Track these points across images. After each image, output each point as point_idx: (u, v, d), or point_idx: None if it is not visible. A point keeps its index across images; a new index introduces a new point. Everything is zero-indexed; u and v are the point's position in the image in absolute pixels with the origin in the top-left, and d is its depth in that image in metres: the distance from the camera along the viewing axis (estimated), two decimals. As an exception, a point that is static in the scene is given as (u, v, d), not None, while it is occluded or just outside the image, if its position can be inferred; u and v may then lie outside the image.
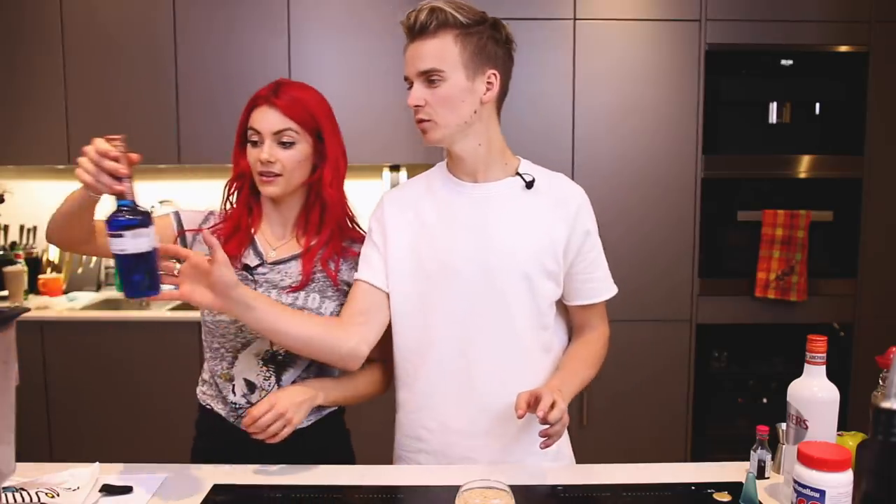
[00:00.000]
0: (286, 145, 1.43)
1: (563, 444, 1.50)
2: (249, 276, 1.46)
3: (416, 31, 1.32)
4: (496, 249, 1.38)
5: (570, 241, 1.42)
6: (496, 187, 1.42)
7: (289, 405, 1.34)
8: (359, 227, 1.56)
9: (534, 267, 1.39)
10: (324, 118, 1.50)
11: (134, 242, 1.14)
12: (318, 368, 1.52)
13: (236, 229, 1.48)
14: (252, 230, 1.50)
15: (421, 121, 1.36)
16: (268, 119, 1.42)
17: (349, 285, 1.49)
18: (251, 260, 1.48)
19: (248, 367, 1.47)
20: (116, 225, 1.14)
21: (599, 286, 1.48)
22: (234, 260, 1.44)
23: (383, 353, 1.51)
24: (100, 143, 1.15)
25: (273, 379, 1.48)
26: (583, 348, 1.49)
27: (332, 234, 1.49)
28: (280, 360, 1.48)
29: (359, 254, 1.50)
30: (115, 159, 1.15)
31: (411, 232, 1.43)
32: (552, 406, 1.23)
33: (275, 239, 1.51)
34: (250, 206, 1.51)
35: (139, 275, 1.16)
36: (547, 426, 1.24)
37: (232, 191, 1.52)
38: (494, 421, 1.40)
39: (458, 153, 1.41)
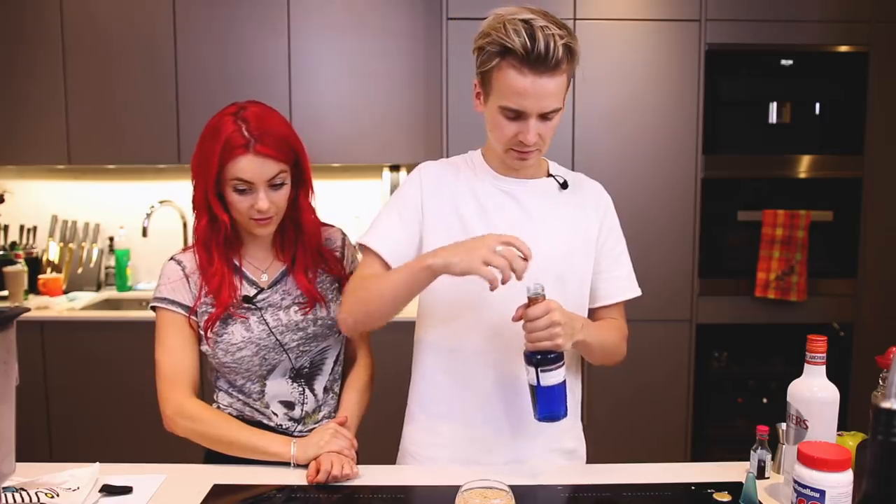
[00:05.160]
0: (278, 187, 1.39)
1: (579, 444, 1.51)
2: (253, 306, 1.45)
3: (549, 68, 1.24)
4: (535, 251, 1.38)
5: (599, 240, 1.44)
6: (535, 186, 1.42)
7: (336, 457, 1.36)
8: (326, 224, 1.57)
9: (568, 268, 1.40)
10: (298, 143, 1.43)
11: (561, 373, 1.26)
12: (340, 373, 1.56)
13: (223, 276, 1.44)
14: (237, 263, 1.48)
15: (527, 152, 1.32)
16: (260, 169, 1.35)
17: (332, 282, 1.52)
18: (249, 291, 1.46)
19: (279, 389, 1.48)
20: (550, 361, 1.24)
21: (622, 285, 1.47)
22: (235, 300, 1.44)
23: (363, 345, 1.58)
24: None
25: (307, 391, 1.50)
26: (605, 322, 1.48)
27: (311, 253, 1.50)
28: (307, 373, 1.50)
29: (330, 250, 1.53)
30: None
31: (448, 224, 1.40)
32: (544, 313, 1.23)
33: (260, 262, 1.50)
34: (228, 245, 1.46)
35: (562, 398, 1.27)
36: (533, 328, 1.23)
37: (210, 244, 1.43)
38: (520, 419, 1.40)
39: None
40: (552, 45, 1.22)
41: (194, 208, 1.44)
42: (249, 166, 1.35)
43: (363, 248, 1.42)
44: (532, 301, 1.25)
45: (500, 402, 1.41)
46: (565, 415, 1.28)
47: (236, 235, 1.47)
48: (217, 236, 1.43)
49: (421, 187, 1.43)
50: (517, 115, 1.29)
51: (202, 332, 1.45)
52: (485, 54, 1.29)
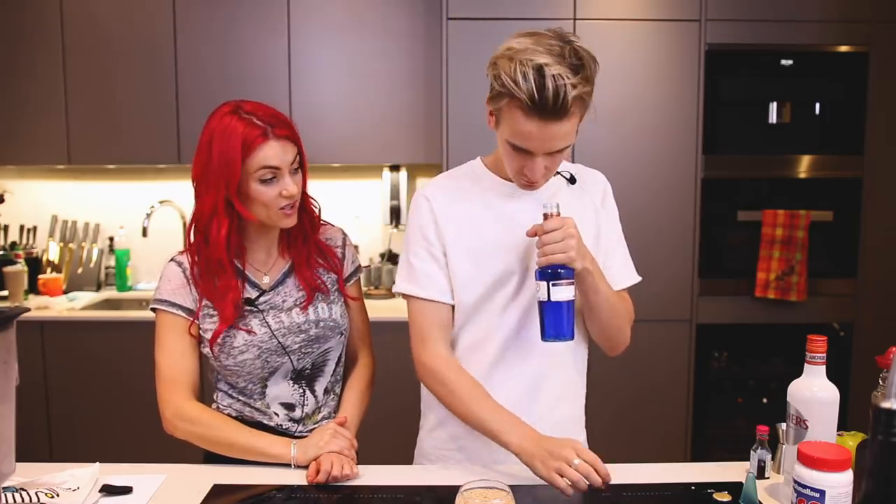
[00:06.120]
0: (296, 171, 1.41)
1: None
2: (255, 309, 1.45)
3: (556, 115, 1.21)
4: None
5: (603, 229, 1.45)
6: (546, 186, 1.41)
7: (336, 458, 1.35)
8: (327, 223, 1.57)
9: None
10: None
11: (571, 291, 1.27)
12: (341, 374, 1.56)
13: (229, 289, 1.41)
14: (240, 266, 1.46)
15: (537, 182, 1.32)
16: (283, 153, 1.36)
17: (333, 283, 1.52)
18: (250, 293, 1.45)
19: (280, 391, 1.47)
20: (562, 276, 1.26)
21: (622, 272, 1.46)
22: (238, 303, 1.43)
23: (364, 346, 1.59)
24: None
25: (308, 393, 1.49)
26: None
27: (311, 244, 1.50)
28: (308, 374, 1.49)
29: (331, 248, 1.53)
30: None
31: (467, 237, 1.40)
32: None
33: (261, 264, 1.49)
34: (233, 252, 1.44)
35: (570, 319, 1.27)
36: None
37: (226, 245, 1.40)
38: (538, 420, 1.39)
39: None
40: (561, 94, 1.18)
41: (203, 220, 1.39)
42: (273, 152, 1.35)
43: (407, 297, 1.43)
44: (547, 217, 1.27)
45: (517, 403, 1.40)
46: (571, 337, 1.28)
47: (240, 239, 1.45)
48: (231, 237, 1.40)
49: (433, 212, 1.41)
50: (524, 151, 1.27)
51: (203, 335, 1.44)
52: (494, 89, 1.26)
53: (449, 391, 1.37)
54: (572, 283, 1.27)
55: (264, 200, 1.38)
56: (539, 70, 1.18)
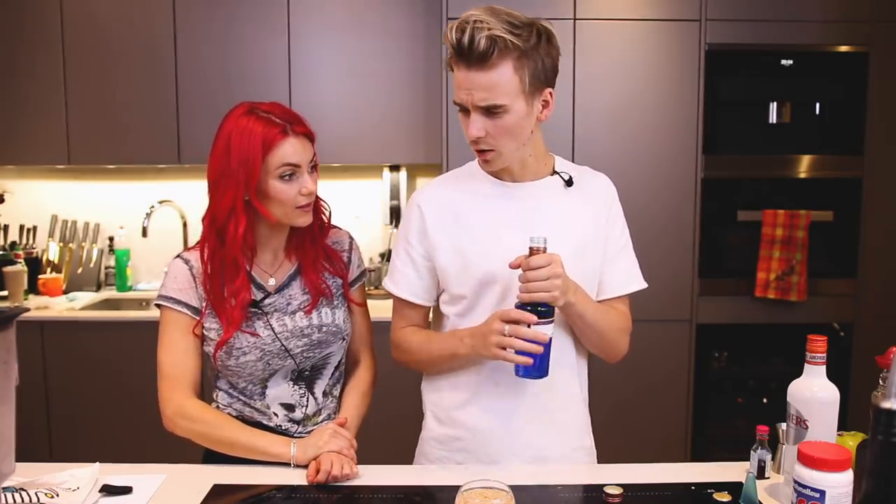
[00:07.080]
0: (312, 169, 1.42)
1: (591, 440, 1.55)
2: (259, 311, 1.44)
3: (474, 59, 1.25)
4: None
5: (607, 234, 1.45)
6: (539, 187, 1.42)
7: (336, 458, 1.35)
8: (334, 226, 1.56)
9: (577, 267, 1.37)
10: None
11: (550, 329, 1.27)
12: (341, 376, 1.56)
13: (241, 291, 1.41)
14: (248, 268, 1.45)
15: (482, 151, 1.34)
16: (302, 150, 1.38)
17: (338, 287, 1.53)
18: (255, 295, 1.45)
19: (280, 391, 1.47)
20: (543, 314, 1.25)
21: (625, 277, 1.47)
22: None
23: (366, 349, 1.60)
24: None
25: (307, 394, 1.49)
26: (605, 305, 1.46)
27: (318, 246, 1.50)
28: (308, 375, 1.49)
29: (337, 252, 1.53)
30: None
31: (455, 236, 1.40)
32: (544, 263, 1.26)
33: (268, 265, 1.48)
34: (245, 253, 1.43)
35: (546, 356, 1.27)
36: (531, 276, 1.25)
37: (242, 244, 1.39)
38: (539, 417, 1.41)
39: (508, 167, 1.40)
40: (476, 37, 1.24)
41: (220, 219, 1.38)
42: (293, 149, 1.37)
43: (388, 292, 1.49)
44: (533, 252, 1.25)
45: (521, 411, 1.41)
46: (545, 375, 1.28)
47: (253, 239, 1.45)
48: (246, 237, 1.40)
49: (422, 216, 1.43)
50: (464, 110, 1.32)
51: (206, 334, 1.44)
52: None
53: (410, 354, 1.47)
54: (552, 322, 1.26)
55: (283, 198, 1.38)
56: (467, 19, 1.26)
